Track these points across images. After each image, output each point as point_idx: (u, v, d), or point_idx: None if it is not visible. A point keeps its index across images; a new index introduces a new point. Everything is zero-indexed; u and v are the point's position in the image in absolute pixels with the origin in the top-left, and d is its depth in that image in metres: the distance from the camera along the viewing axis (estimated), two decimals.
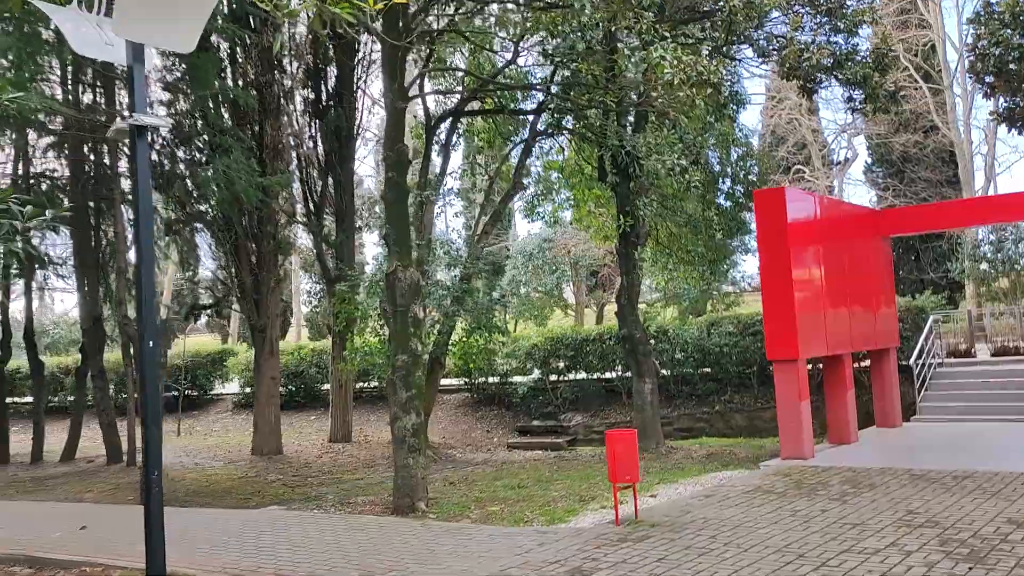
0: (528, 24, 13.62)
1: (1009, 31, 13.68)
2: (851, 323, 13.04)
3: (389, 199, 10.44)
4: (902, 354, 16.99)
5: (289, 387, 23.19)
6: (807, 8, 14.70)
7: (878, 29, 16.12)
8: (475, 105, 19.58)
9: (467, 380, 21.48)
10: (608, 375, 20.21)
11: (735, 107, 17.71)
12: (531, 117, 18.44)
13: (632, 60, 10.68)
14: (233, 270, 16.85)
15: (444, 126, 19.66)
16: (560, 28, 12.67)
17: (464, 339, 18.07)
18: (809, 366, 16.52)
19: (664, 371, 19.53)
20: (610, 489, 10.45)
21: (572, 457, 15.74)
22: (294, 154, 18.72)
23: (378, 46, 20.32)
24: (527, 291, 45.29)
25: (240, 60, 16.81)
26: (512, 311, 47.13)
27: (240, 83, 16.89)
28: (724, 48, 14.03)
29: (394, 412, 10.24)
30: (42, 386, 20.50)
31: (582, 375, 20.51)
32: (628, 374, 19.92)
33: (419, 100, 20.24)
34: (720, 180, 18.37)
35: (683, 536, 7.47)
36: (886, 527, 7.38)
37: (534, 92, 17.94)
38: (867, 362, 15.55)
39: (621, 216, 13.94)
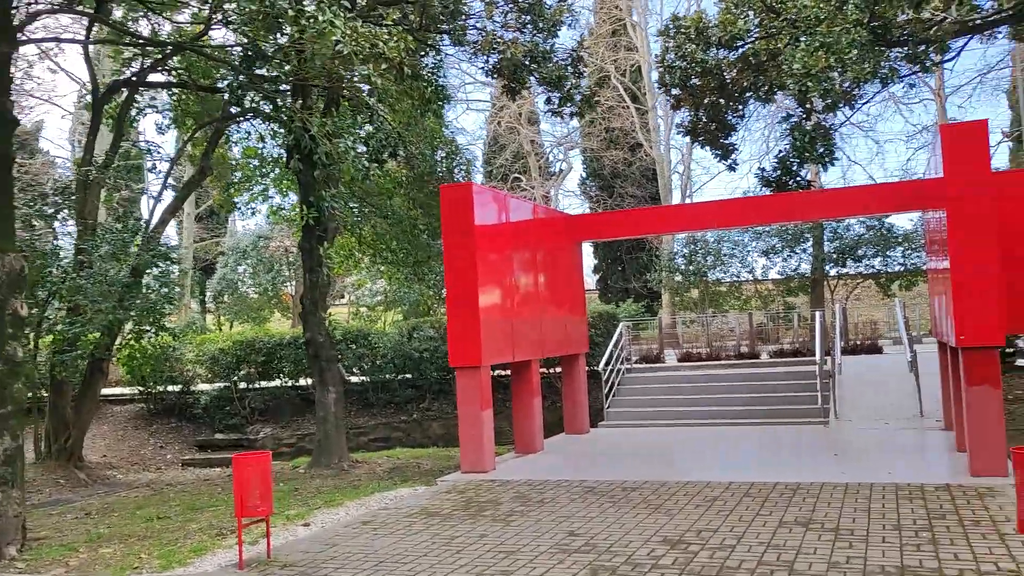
0: None
1: (694, 45, 14.10)
2: (540, 328, 12.65)
3: None
4: (595, 360, 17.16)
5: None
6: (509, 4, 14.30)
7: (589, 41, 16.20)
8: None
9: (141, 389, 18.91)
10: (303, 382, 18.66)
11: (440, 103, 16.97)
12: (227, 96, 16.48)
13: (303, 25, 9.35)
14: None
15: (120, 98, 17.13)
16: None
17: (130, 342, 15.74)
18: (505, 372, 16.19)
19: (364, 378, 18.40)
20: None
21: None
22: None
23: None
24: (244, 290, 42.32)
25: None
26: (226, 312, 43.87)
27: None
28: (419, 33, 13.16)
29: None
30: None
31: (275, 382, 18.79)
32: None
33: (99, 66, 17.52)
34: (425, 178, 17.59)
35: None
36: (541, 554, 6.67)
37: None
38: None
39: (304, 207, 12.56)
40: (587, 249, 44.00)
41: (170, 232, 53.00)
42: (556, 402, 16.65)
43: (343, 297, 46.47)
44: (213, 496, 11.69)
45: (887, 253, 29.44)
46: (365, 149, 11.05)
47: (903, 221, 50.85)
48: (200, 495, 11.98)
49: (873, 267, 29.75)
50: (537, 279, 12.75)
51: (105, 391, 19.73)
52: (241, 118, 17.06)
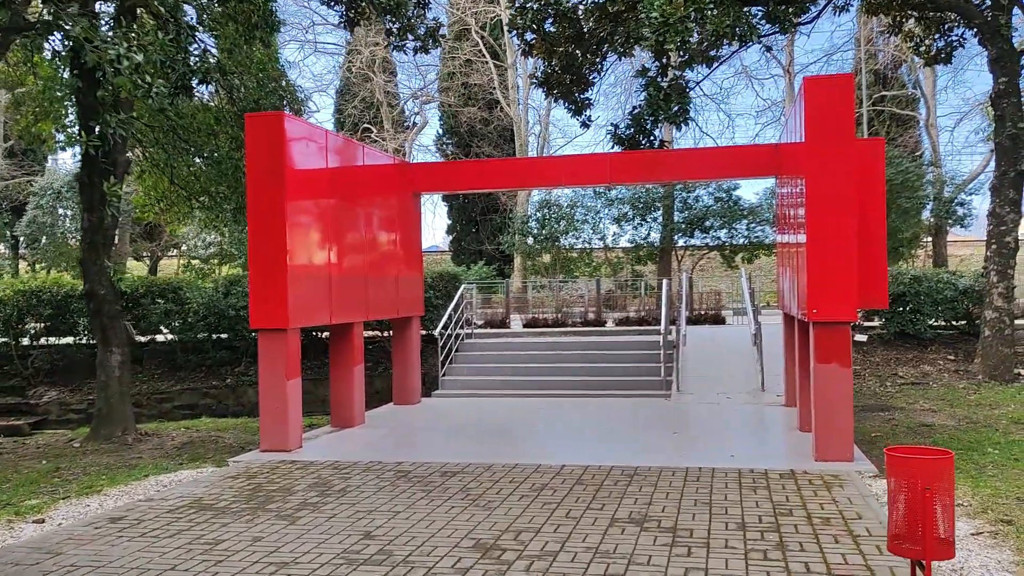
0: None
1: None
2: (366, 287, 11.22)
3: None
4: (432, 324, 15.91)
5: None
6: None
7: None
8: None
9: None
10: None
11: (268, 29, 15.02)
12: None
13: None
14: None
15: None
16: None
17: None
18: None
19: (172, 336, 16.38)
20: None
21: (16, 446, 11.92)
22: None
23: None
24: (62, 235, 38.47)
25: None
26: (41, 257, 39.87)
27: None
28: None
29: None
30: None
31: (67, 340, 16.41)
32: (136, 337, 16.45)
33: None
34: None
35: None
36: (323, 565, 5.36)
37: None
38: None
39: (83, 133, 10.48)
40: (442, 210, 42.62)
41: None
42: (390, 368, 15.32)
43: (177, 248, 43.18)
44: None
45: (733, 225, 29.77)
46: (139, 58, 9.04)
47: (749, 194, 52.23)
48: None
49: (719, 239, 30.04)
50: (364, 232, 11.28)
51: None
52: (33, 31, 14.53)
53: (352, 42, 39.13)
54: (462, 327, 15.99)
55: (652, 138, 13.43)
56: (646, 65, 13.70)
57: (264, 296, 9.30)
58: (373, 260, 11.52)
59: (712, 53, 14.69)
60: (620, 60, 15.31)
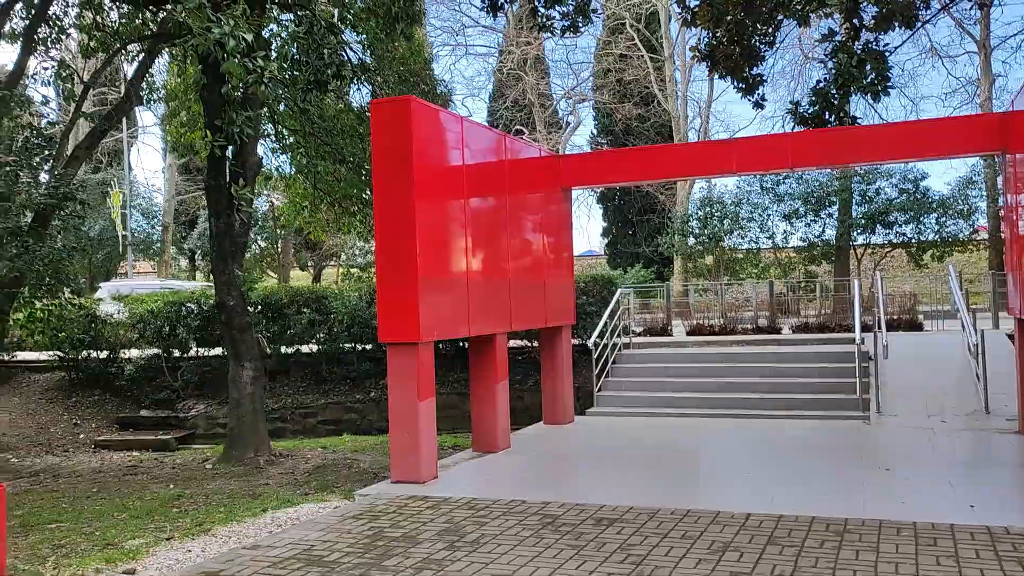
0: None
1: None
2: (509, 294, 9.94)
3: None
4: (585, 333, 14.48)
5: None
6: None
7: None
8: None
9: (62, 355, 16.30)
10: None
11: (408, 21, 14.15)
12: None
13: None
14: None
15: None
16: None
17: (29, 303, 13.16)
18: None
19: (315, 347, 15.80)
20: (118, 540, 6.45)
21: (154, 465, 11.51)
22: None
23: None
24: None
25: None
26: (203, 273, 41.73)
27: None
28: None
29: None
30: None
31: (217, 351, 16.19)
32: (282, 349, 16.03)
33: None
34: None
35: None
36: None
37: None
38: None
39: (209, 132, 9.80)
40: (596, 212, 41.16)
41: (158, 183, 50.34)
42: (540, 381, 14.01)
43: (337, 256, 44.06)
44: (90, 499, 9.13)
45: (920, 219, 26.62)
46: (249, 36, 8.12)
47: (939, 184, 47.46)
48: (75, 497, 9.44)
49: (904, 235, 26.94)
50: (507, 232, 10.01)
51: (24, 356, 17.29)
52: (182, 36, 14.30)
53: (503, 44, 38.51)
54: (619, 336, 14.45)
55: (842, 114, 11.40)
56: (833, 30, 11.69)
57: (393, 306, 8.18)
58: (517, 264, 10.23)
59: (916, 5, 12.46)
60: (799, 27, 13.31)
